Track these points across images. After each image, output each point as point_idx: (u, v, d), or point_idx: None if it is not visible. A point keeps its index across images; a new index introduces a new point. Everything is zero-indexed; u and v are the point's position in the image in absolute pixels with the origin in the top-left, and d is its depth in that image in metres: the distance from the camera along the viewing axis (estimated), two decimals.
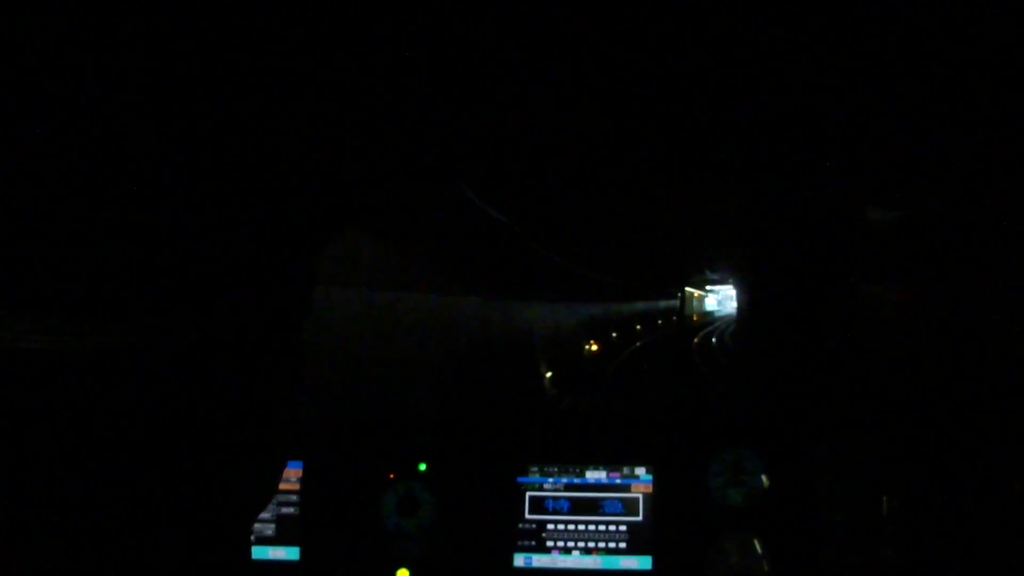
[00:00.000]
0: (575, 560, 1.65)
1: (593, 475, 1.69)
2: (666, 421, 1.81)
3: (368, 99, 0.60)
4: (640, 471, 1.67)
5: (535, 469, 1.70)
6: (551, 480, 1.69)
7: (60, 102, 0.44)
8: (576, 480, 1.69)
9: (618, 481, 1.68)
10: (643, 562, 1.63)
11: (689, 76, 1.24)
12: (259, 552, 1.70)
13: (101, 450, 0.46)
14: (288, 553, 1.70)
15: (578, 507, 1.67)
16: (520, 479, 1.69)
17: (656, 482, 1.66)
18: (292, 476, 1.72)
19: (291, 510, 1.71)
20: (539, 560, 1.65)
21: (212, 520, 0.52)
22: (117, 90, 0.44)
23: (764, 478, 1.63)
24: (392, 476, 1.69)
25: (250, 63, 0.48)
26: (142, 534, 0.48)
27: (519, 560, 1.66)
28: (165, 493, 0.48)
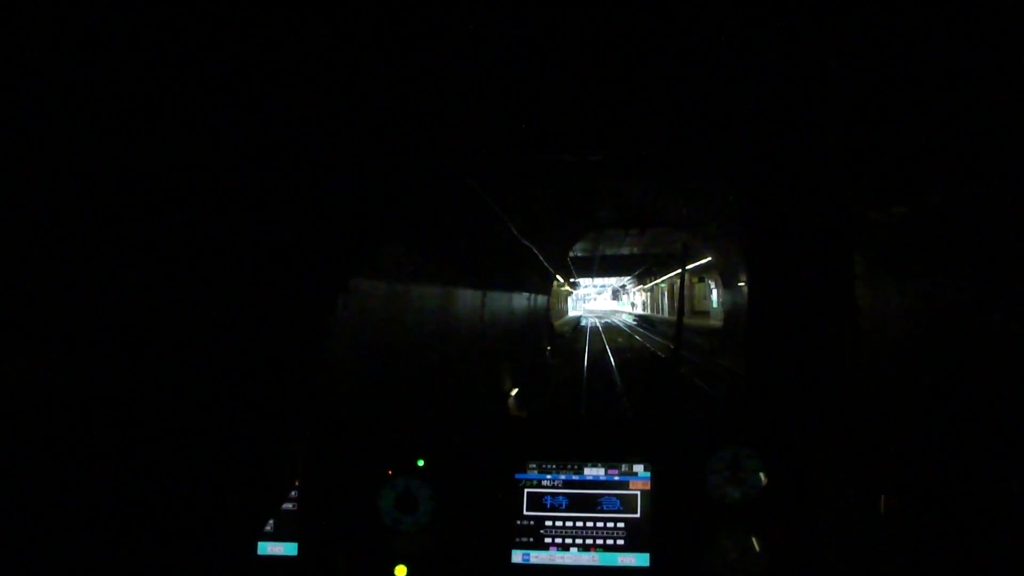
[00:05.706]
0: (573, 557, 1.65)
1: (591, 472, 1.69)
2: (665, 419, 1.81)
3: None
4: (638, 468, 1.67)
5: (533, 466, 1.70)
6: (549, 477, 1.69)
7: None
8: (574, 477, 1.69)
9: (616, 478, 1.68)
10: (641, 559, 1.63)
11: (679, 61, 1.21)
12: (257, 547, 1.70)
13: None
14: (286, 548, 1.70)
15: (576, 504, 1.67)
16: (518, 475, 1.69)
17: (654, 479, 1.66)
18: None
19: (289, 506, 1.71)
20: (537, 557, 1.65)
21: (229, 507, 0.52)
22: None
23: (762, 476, 1.63)
24: (391, 472, 1.69)
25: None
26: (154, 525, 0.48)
27: (517, 556, 1.66)
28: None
